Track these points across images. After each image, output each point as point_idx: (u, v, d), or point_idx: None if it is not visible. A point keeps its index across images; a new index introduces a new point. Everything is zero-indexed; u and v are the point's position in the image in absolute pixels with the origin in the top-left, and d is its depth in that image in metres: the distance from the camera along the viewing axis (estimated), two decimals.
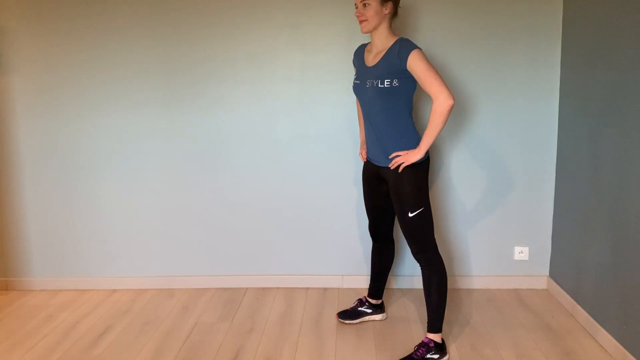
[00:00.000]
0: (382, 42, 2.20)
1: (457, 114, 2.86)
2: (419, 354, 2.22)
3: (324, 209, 3.00)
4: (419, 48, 2.10)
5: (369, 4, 2.13)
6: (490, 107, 2.85)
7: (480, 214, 2.97)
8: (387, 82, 2.13)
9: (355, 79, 2.31)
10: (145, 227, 3.05)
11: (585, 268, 2.54)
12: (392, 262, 2.61)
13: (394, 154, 2.19)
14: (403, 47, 2.11)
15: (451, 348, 2.36)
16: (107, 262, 3.09)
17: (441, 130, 2.09)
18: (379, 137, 2.25)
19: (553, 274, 2.95)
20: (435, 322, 2.25)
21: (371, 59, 2.24)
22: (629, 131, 2.13)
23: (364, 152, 2.48)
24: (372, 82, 2.17)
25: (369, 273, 2.82)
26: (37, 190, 3.02)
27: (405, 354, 2.28)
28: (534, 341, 2.41)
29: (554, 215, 2.93)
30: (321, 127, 2.91)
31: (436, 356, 2.23)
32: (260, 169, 2.97)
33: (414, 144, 2.18)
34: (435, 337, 2.25)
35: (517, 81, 2.82)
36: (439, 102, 2.03)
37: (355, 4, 2.18)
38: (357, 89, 2.29)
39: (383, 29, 2.19)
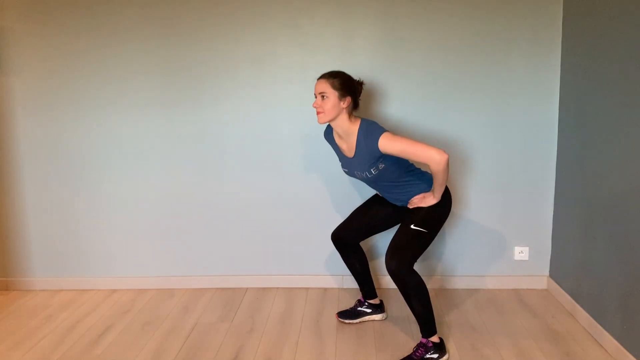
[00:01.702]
0: (343, 130, 2.23)
1: (458, 114, 2.86)
2: (418, 354, 2.22)
3: (324, 209, 3.00)
4: (384, 132, 2.11)
5: (327, 97, 2.16)
6: (490, 108, 2.85)
7: (481, 214, 2.97)
8: (373, 170, 2.20)
9: (342, 166, 2.36)
10: (145, 227, 3.05)
11: (585, 268, 2.54)
12: (366, 261, 2.60)
13: (412, 200, 2.28)
14: (369, 137, 2.13)
15: (451, 348, 2.36)
16: (107, 262, 3.10)
17: (448, 177, 2.17)
18: (392, 197, 2.36)
19: (553, 274, 2.95)
20: (426, 328, 2.24)
21: (346, 149, 2.28)
22: (629, 131, 2.13)
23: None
24: (359, 173, 2.24)
25: None
26: (37, 190, 3.02)
27: (405, 354, 2.28)
28: (534, 341, 2.41)
29: (554, 215, 2.93)
30: (321, 127, 2.90)
31: (435, 355, 2.23)
32: (260, 168, 2.97)
33: (425, 185, 2.27)
34: (433, 338, 2.25)
35: (517, 82, 2.82)
36: (435, 164, 2.06)
37: (315, 94, 2.21)
38: (350, 175, 2.35)
39: (342, 120, 2.21)
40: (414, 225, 2.18)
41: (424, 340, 2.25)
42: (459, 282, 3.03)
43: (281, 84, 2.88)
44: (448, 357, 2.27)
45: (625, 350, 2.17)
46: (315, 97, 2.21)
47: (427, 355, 2.22)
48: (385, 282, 3.05)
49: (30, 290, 3.11)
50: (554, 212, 2.93)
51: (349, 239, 2.52)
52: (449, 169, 2.11)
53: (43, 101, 2.93)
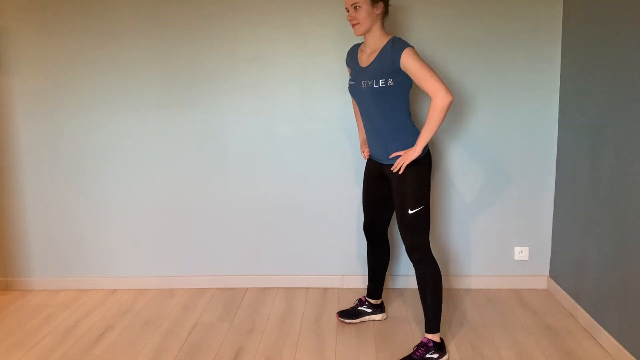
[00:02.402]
0: (375, 42, 2.20)
1: (458, 113, 2.86)
2: (418, 354, 2.22)
3: (324, 209, 3.00)
4: (411, 46, 2.10)
5: (360, 7, 2.13)
6: (490, 107, 2.85)
7: (480, 213, 2.97)
8: (381, 81, 2.13)
9: (350, 79, 2.32)
10: (145, 227, 3.05)
11: (585, 268, 2.55)
12: (388, 262, 2.61)
13: (394, 154, 2.20)
14: (395, 46, 2.11)
15: (451, 348, 2.36)
16: (108, 262, 3.10)
17: (439, 128, 2.09)
18: (379, 136, 2.26)
19: (553, 274, 2.95)
20: (432, 323, 2.25)
21: (365, 59, 2.24)
22: (629, 131, 2.13)
23: (366, 150, 2.48)
24: (367, 82, 2.17)
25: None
26: (37, 191, 3.02)
27: (405, 354, 2.28)
28: (534, 341, 2.41)
29: (554, 215, 2.93)
30: (322, 127, 2.91)
31: (435, 356, 2.23)
32: (260, 168, 2.97)
33: (414, 141, 2.18)
34: (434, 337, 2.26)
35: (517, 81, 2.82)
36: (438, 99, 2.03)
37: (346, 8, 2.18)
38: (353, 89, 2.29)
39: (376, 30, 2.19)
40: (411, 210, 2.18)
41: (425, 340, 2.25)
42: (459, 282, 3.03)
43: (281, 84, 2.88)
44: (448, 357, 2.28)
45: (625, 350, 2.17)
46: (348, 11, 2.18)
47: (428, 355, 2.22)
48: (386, 282, 3.05)
49: (30, 290, 3.11)
50: (554, 212, 2.93)
51: (378, 225, 2.51)
52: (445, 115, 2.05)
53: (43, 101, 2.93)
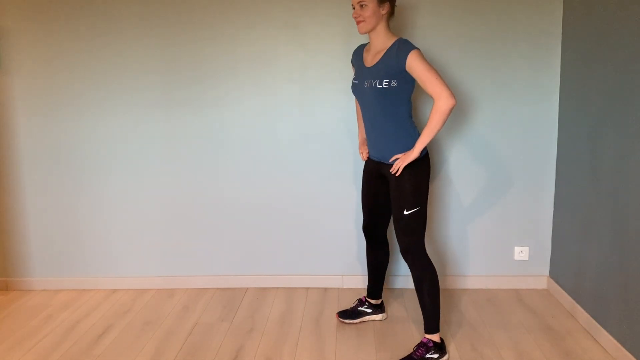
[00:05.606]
0: (380, 41, 2.21)
1: (458, 113, 2.86)
2: (418, 354, 2.22)
3: (324, 209, 3.00)
4: (417, 49, 2.10)
5: (366, 5, 2.14)
6: (490, 107, 2.85)
7: (480, 213, 2.97)
8: (385, 82, 2.14)
9: (354, 79, 2.33)
10: (145, 227, 3.05)
11: (585, 268, 2.55)
12: (387, 262, 2.61)
13: (393, 158, 2.21)
14: (402, 47, 2.12)
15: (451, 348, 2.36)
16: (108, 262, 3.10)
17: (439, 131, 2.10)
18: (379, 136, 2.27)
19: (553, 274, 2.95)
20: (431, 323, 2.25)
21: (370, 59, 2.25)
22: (628, 131, 2.14)
23: (364, 152, 2.49)
24: (371, 82, 2.18)
25: None
26: (37, 190, 3.02)
27: (405, 354, 2.28)
28: (534, 341, 2.42)
29: (554, 215, 2.93)
30: (322, 127, 2.91)
31: (435, 356, 2.23)
32: (260, 169, 2.97)
33: (414, 143, 2.18)
34: (434, 337, 2.26)
35: (517, 81, 2.82)
36: (441, 102, 2.04)
37: (352, 5, 2.19)
38: (356, 89, 2.30)
39: (381, 29, 2.19)
40: (406, 211, 2.18)
41: (425, 340, 2.25)
42: (459, 282, 3.03)
43: (281, 84, 2.88)
44: (448, 357, 2.28)
45: (625, 350, 2.17)
46: (354, 8, 2.18)
47: (428, 355, 2.22)
48: (386, 282, 3.05)
49: (30, 290, 3.11)
50: (553, 212, 2.93)
51: (377, 225, 2.50)
52: (447, 119, 2.07)
53: (43, 101, 2.93)
